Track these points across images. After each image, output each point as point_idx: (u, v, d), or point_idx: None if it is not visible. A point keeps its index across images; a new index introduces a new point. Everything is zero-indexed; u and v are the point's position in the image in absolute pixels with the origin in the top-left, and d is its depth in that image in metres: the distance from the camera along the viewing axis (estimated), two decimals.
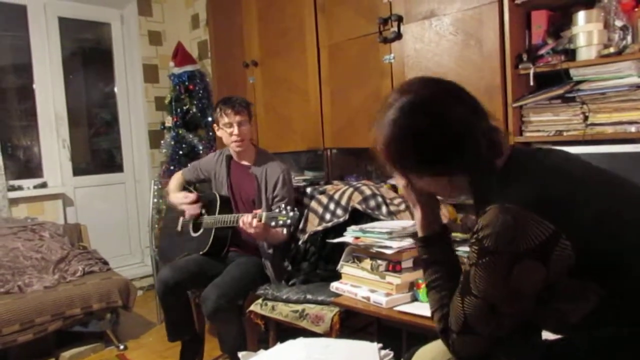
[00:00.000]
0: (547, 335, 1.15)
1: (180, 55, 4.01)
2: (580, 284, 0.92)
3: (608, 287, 0.91)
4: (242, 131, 2.55)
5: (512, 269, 0.91)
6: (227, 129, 2.56)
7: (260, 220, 2.25)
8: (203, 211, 2.71)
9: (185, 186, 2.90)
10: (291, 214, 2.21)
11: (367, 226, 2.07)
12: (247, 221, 2.27)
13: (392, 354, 1.68)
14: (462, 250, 1.86)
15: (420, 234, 1.20)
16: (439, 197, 1.16)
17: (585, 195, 0.98)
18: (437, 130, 0.99)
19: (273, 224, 2.23)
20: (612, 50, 1.81)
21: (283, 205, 2.26)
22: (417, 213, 1.19)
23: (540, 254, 0.90)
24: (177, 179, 2.91)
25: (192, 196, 2.73)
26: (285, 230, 2.49)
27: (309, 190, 2.77)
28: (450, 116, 1.00)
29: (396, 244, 1.84)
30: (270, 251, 2.54)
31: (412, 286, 1.86)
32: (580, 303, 0.93)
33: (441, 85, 1.05)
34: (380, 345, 1.71)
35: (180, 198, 2.75)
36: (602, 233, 0.93)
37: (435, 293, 1.12)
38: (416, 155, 1.02)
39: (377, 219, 2.32)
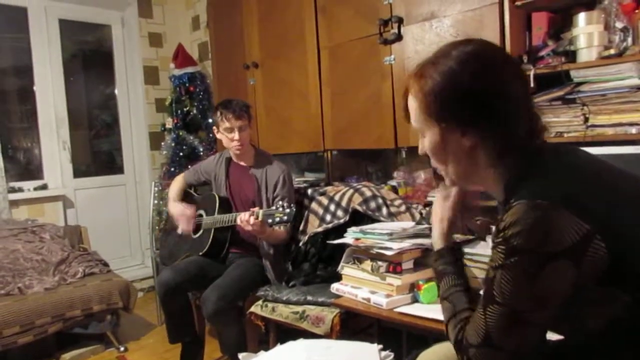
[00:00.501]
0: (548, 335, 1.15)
1: (181, 56, 4.02)
2: (609, 290, 0.86)
3: (635, 298, 0.85)
4: (242, 136, 2.55)
5: (543, 270, 0.84)
6: (228, 134, 2.56)
7: (257, 218, 2.25)
8: (202, 212, 2.71)
9: (187, 190, 2.90)
10: (287, 210, 2.20)
11: (368, 227, 2.07)
12: (245, 219, 2.27)
13: (392, 355, 1.68)
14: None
15: (439, 246, 1.18)
16: (448, 174, 1.08)
17: (619, 197, 0.92)
18: (487, 84, 0.96)
19: (270, 221, 2.23)
20: (612, 51, 1.81)
21: (280, 202, 2.26)
22: (441, 226, 1.18)
23: (573, 254, 0.83)
24: (178, 183, 2.90)
25: (190, 211, 2.71)
26: (284, 228, 2.49)
27: (309, 191, 2.78)
28: (503, 78, 0.98)
29: (397, 245, 1.84)
30: (271, 252, 2.54)
31: (413, 287, 1.86)
32: (605, 309, 0.87)
33: (504, 52, 1.04)
34: (381, 346, 1.70)
35: (178, 211, 2.72)
36: (634, 236, 0.87)
37: (450, 303, 1.06)
38: (459, 101, 0.97)
39: (378, 220, 2.33)
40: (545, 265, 0.84)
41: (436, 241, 1.19)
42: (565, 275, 0.85)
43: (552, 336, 1.10)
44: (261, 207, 2.51)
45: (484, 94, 0.96)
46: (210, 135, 3.89)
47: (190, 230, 2.71)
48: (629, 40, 1.81)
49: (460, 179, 1.08)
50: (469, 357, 0.95)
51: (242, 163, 2.68)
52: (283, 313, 2.23)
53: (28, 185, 3.77)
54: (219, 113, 2.58)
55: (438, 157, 1.06)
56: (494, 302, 0.90)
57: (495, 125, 0.97)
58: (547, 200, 0.85)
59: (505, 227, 0.88)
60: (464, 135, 0.99)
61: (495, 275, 0.90)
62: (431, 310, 1.69)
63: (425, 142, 1.06)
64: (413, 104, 1.05)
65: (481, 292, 0.95)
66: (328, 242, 2.33)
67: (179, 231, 2.74)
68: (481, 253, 1.70)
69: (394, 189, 2.62)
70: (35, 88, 3.85)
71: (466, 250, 1.87)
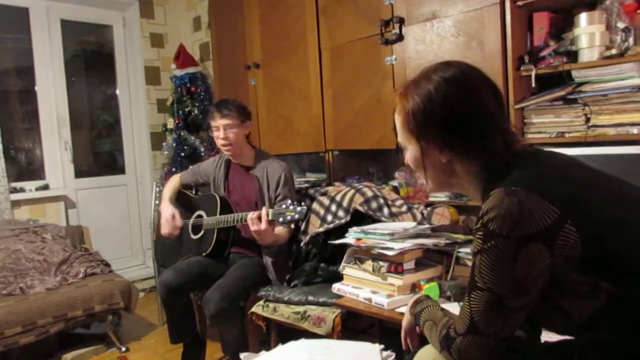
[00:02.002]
0: (546, 337, 1.15)
1: (182, 57, 4.02)
2: (589, 279, 0.90)
3: (617, 285, 0.89)
4: (227, 135, 2.54)
5: (518, 253, 0.89)
6: (215, 132, 2.58)
7: (267, 217, 2.25)
8: (202, 213, 2.71)
9: (183, 191, 2.89)
10: (298, 208, 2.20)
11: (369, 227, 2.07)
12: (254, 217, 2.26)
13: (394, 355, 1.68)
14: (465, 251, 1.87)
15: (414, 301, 1.27)
16: (431, 182, 1.15)
17: (589, 190, 0.97)
18: (462, 108, 1.04)
19: (281, 219, 2.22)
20: (614, 52, 1.81)
21: (289, 202, 2.25)
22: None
23: (546, 237, 0.89)
24: (173, 182, 2.89)
25: (179, 221, 2.67)
26: (286, 228, 2.49)
27: (310, 191, 2.78)
28: (482, 100, 1.05)
29: (398, 246, 1.84)
30: (273, 250, 2.54)
31: (414, 287, 1.86)
32: (588, 300, 0.91)
33: (482, 74, 1.11)
34: (382, 346, 1.70)
35: (169, 213, 2.67)
36: (609, 228, 0.92)
37: (431, 320, 1.13)
38: (439, 121, 1.05)
39: (379, 221, 2.33)
40: (520, 248, 0.90)
41: (408, 310, 1.30)
42: (540, 259, 0.90)
43: (549, 338, 1.11)
44: (264, 206, 2.51)
45: (457, 118, 1.04)
46: (212, 135, 3.90)
47: (172, 236, 2.68)
48: (631, 40, 1.81)
49: (438, 187, 1.17)
50: (457, 346, 0.99)
51: (242, 164, 2.68)
52: (284, 313, 2.23)
53: (30, 185, 3.77)
54: (210, 112, 2.61)
55: (418, 169, 1.15)
56: (477, 288, 0.95)
57: (469, 145, 1.05)
58: (520, 187, 0.92)
59: (483, 214, 0.94)
60: (441, 152, 1.07)
61: (475, 260, 0.95)
62: None
63: (407, 155, 1.16)
64: (397, 120, 1.14)
65: None
66: (329, 242, 2.33)
67: (162, 232, 2.70)
68: None
69: (395, 189, 2.62)
70: (36, 88, 3.86)
71: (466, 249, 1.88)
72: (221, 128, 2.54)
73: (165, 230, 2.67)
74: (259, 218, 2.26)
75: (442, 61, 1.13)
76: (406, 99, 1.09)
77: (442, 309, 1.16)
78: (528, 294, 0.92)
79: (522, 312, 0.94)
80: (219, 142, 2.58)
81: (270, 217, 2.24)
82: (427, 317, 1.16)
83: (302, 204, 2.25)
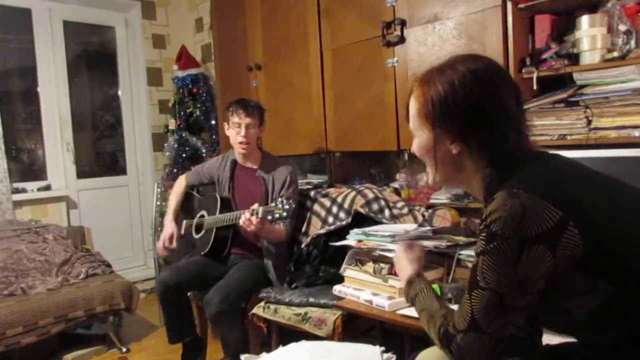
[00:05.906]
0: (547, 340, 1.15)
1: (184, 58, 4.03)
2: (588, 278, 0.90)
3: (616, 285, 0.89)
4: (248, 134, 2.56)
5: (521, 254, 0.90)
6: (235, 129, 2.57)
7: (257, 216, 2.26)
8: (204, 213, 2.71)
9: (189, 191, 2.90)
10: (287, 206, 2.21)
11: (370, 229, 2.07)
12: (247, 217, 2.28)
13: (394, 357, 1.67)
14: (466, 253, 1.87)
15: (407, 281, 1.34)
16: (437, 175, 1.15)
17: (592, 192, 0.98)
18: (482, 103, 1.04)
19: (270, 217, 2.23)
20: (615, 54, 1.81)
21: (280, 199, 2.26)
22: (414, 266, 1.39)
23: (548, 239, 0.89)
24: (180, 186, 2.90)
25: (172, 243, 2.73)
26: (283, 227, 2.49)
27: (312, 193, 2.78)
28: (503, 99, 1.05)
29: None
30: (273, 251, 2.54)
31: None
32: (586, 299, 0.91)
33: (506, 73, 1.12)
34: (383, 348, 1.70)
35: (168, 233, 2.74)
36: (610, 230, 0.93)
37: (426, 311, 1.14)
38: (458, 112, 1.05)
39: (380, 223, 2.33)
40: (523, 250, 0.90)
41: (405, 280, 1.36)
42: (542, 260, 0.90)
43: (550, 341, 1.11)
44: None
45: (477, 112, 1.04)
46: (214, 136, 3.91)
47: (163, 251, 2.77)
48: (632, 43, 1.81)
49: (443, 181, 1.16)
50: (457, 344, 0.99)
51: (248, 165, 2.68)
52: (285, 315, 2.23)
53: (32, 186, 3.79)
54: (231, 108, 2.59)
55: (427, 158, 1.15)
56: (478, 287, 0.96)
57: (483, 140, 1.05)
58: (523, 190, 0.92)
59: (487, 216, 0.95)
60: (453, 142, 1.07)
61: (478, 261, 0.96)
62: None
63: (414, 143, 1.16)
64: (413, 106, 1.13)
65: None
66: (330, 243, 2.33)
67: (158, 243, 2.79)
68: None
69: (397, 191, 2.62)
70: (39, 89, 3.87)
71: (467, 252, 1.87)
72: (243, 126, 2.55)
73: (160, 246, 2.75)
74: (252, 217, 2.28)
75: (470, 53, 1.14)
76: (427, 86, 1.09)
77: (436, 297, 1.18)
78: (530, 294, 0.93)
79: (523, 311, 0.95)
80: (237, 139, 2.57)
81: (260, 215, 2.26)
82: (422, 306, 1.17)
83: (291, 201, 2.25)
